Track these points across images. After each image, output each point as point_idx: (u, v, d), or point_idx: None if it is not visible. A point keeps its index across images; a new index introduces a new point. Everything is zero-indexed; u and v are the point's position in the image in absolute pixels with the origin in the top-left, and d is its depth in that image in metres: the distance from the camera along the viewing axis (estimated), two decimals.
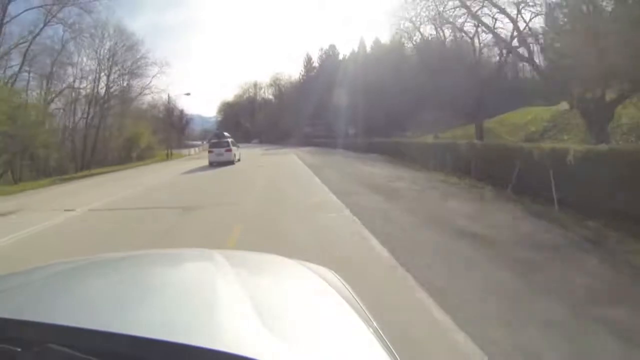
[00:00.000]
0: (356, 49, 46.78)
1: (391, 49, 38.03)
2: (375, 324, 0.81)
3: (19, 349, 0.57)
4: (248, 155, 24.45)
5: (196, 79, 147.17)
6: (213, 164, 17.82)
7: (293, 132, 49.22)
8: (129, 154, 32.07)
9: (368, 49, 45.12)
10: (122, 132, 32.45)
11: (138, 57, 33.01)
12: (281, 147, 40.95)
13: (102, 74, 30.62)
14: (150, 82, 35.11)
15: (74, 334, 0.60)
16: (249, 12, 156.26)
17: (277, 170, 15.05)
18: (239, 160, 19.46)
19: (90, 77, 29.88)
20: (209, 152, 18.65)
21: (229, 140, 18.82)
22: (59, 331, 0.61)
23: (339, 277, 1.06)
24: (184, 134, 64.78)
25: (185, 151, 41.20)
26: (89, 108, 29.63)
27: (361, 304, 0.91)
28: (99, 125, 30.09)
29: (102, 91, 30.72)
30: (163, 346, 0.57)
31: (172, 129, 55.48)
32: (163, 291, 0.90)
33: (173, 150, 38.42)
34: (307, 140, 41.22)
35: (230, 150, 18.29)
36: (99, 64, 30.24)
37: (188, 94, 35.81)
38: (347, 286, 1.01)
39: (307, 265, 1.13)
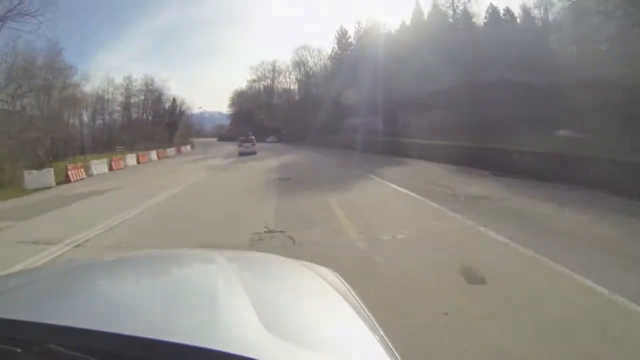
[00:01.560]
0: (408, 22, 37.05)
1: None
2: (376, 324, 0.82)
3: (19, 350, 0.58)
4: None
5: (216, 75, 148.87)
6: (242, 154, 26.54)
7: (325, 126, 37.00)
8: None
9: (425, 16, 35.68)
10: None
11: None
12: (322, 151, 26.18)
13: None
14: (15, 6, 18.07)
15: (74, 335, 0.62)
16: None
17: None
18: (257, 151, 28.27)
19: None
20: (239, 145, 28.53)
21: (253, 138, 29.29)
22: (59, 331, 0.63)
23: (339, 278, 1.09)
24: (177, 128, 51.85)
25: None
26: None
27: (362, 304, 0.92)
28: None
29: None
30: (164, 346, 0.58)
31: (157, 123, 46.95)
32: (164, 291, 0.93)
33: (125, 154, 24.68)
34: (371, 142, 23.30)
35: (254, 144, 28.44)
36: None
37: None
38: (347, 286, 1.03)
39: (308, 265, 1.17)
